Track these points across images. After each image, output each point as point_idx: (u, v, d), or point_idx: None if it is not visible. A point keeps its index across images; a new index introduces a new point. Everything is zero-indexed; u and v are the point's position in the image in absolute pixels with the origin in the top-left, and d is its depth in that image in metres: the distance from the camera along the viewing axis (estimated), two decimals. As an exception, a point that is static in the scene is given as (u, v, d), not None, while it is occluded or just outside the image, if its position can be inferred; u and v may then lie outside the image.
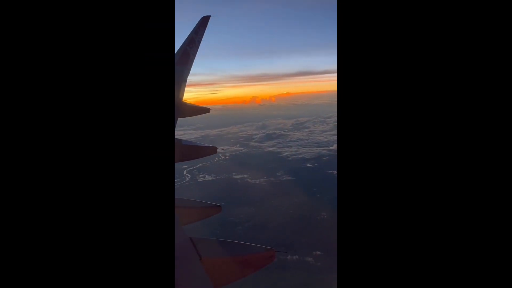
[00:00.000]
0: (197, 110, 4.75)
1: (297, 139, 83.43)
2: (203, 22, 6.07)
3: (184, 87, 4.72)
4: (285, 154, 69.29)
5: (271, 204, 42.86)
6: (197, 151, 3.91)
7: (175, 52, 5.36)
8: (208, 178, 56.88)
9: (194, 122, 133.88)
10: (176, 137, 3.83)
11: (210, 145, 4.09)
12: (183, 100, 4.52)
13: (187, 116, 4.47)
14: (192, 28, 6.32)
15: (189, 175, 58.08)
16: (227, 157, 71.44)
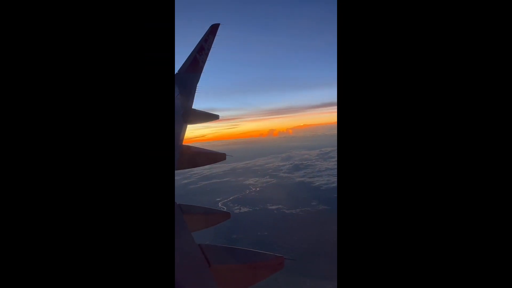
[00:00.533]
0: (207, 116, 4.72)
1: (326, 168, 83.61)
2: (213, 30, 6.17)
3: (194, 95, 4.82)
4: (317, 183, 69.43)
5: (312, 233, 42.82)
6: (207, 157, 3.94)
7: (186, 59, 5.52)
8: (244, 209, 57.61)
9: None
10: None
11: (220, 151, 4.09)
12: (192, 108, 4.55)
13: (197, 123, 4.50)
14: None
15: (224, 207, 59.04)
16: (258, 188, 72.26)
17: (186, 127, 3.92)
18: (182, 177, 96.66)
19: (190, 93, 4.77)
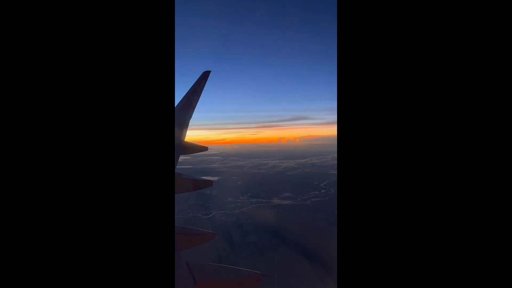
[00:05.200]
0: (197, 148, 5.45)
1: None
2: (205, 75, 7.00)
3: (186, 129, 5.42)
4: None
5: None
6: (196, 183, 4.41)
7: (181, 99, 6.23)
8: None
9: (270, 155, 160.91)
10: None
11: (207, 179, 4.62)
12: (184, 140, 5.14)
13: (189, 153, 5.27)
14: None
15: (332, 189, 80.00)
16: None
17: (179, 156, 4.50)
18: (272, 165, 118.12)
19: (183, 127, 5.34)
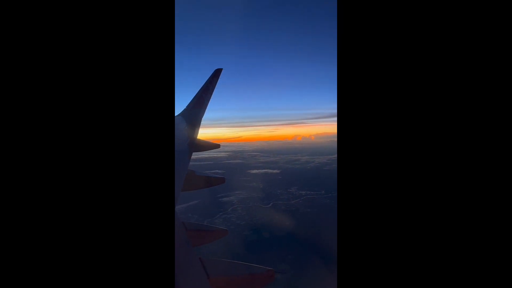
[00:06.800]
0: (209, 145, 5.51)
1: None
2: (216, 73, 6.92)
3: (199, 127, 5.49)
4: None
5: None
6: (209, 181, 4.47)
7: (193, 97, 6.37)
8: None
9: (296, 151, 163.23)
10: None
11: (220, 176, 4.69)
12: (197, 138, 5.22)
13: (201, 151, 5.19)
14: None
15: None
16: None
17: (191, 154, 4.49)
18: (305, 161, 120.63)
19: (196, 125, 5.44)
